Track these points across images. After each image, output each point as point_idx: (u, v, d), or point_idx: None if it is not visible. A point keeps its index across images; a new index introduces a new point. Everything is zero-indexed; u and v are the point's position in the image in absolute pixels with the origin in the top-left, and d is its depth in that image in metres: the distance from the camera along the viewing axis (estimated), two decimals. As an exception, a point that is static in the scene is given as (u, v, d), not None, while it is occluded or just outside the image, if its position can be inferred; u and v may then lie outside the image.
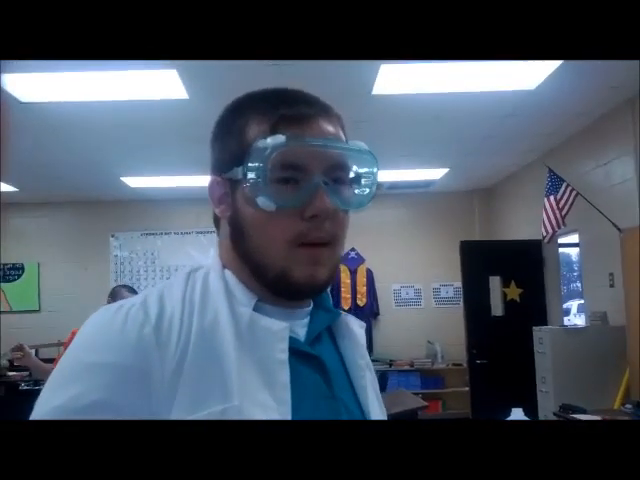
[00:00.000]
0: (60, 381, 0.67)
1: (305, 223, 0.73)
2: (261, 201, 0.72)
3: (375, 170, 0.80)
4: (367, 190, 0.80)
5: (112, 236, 7.40)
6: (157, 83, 3.76)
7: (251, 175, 0.73)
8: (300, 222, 0.73)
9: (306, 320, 0.80)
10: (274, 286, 0.75)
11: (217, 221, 0.83)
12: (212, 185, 0.80)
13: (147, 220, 7.37)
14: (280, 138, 0.71)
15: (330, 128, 0.76)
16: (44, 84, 3.71)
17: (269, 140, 0.71)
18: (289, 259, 0.73)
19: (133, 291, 3.66)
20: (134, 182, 6.41)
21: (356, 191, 0.80)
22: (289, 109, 0.75)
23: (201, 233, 7.24)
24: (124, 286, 3.88)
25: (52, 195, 6.97)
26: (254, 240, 0.75)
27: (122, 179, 6.26)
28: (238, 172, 0.74)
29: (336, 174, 0.75)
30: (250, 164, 0.73)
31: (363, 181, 0.80)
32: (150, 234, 7.39)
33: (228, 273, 0.77)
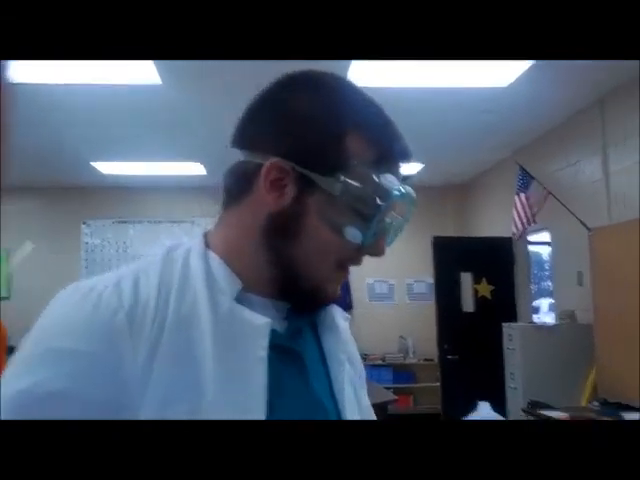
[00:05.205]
0: (25, 363, 0.64)
1: (358, 252, 0.74)
2: (350, 232, 0.71)
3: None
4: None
5: (84, 223, 7.27)
6: (130, 68, 3.69)
7: (352, 202, 0.70)
8: (356, 251, 0.74)
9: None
10: (298, 296, 0.74)
11: (231, 200, 0.76)
12: (270, 168, 0.70)
13: (120, 208, 7.25)
14: (408, 189, 0.72)
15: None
16: (12, 63, 3.60)
17: (401, 189, 0.71)
18: (329, 278, 0.74)
19: None
20: (106, 168, 6.30)
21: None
22: (395, 144, 0.74)
23: (175, 222, 7.15)
24: None
25: (21, 180, 6.81)
26: (303, 249, 0.72)
27: (93, 164, 6.15)
28: (335, 186, 0.70)
29: None
30: (357, 193, 0.70)
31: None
32: (122, 222, 7.28)
33: (212, 254, 0.72)
